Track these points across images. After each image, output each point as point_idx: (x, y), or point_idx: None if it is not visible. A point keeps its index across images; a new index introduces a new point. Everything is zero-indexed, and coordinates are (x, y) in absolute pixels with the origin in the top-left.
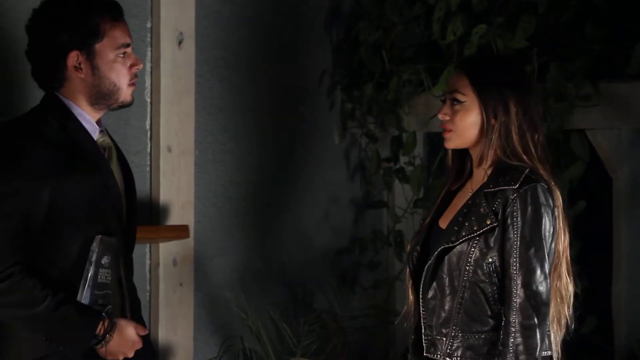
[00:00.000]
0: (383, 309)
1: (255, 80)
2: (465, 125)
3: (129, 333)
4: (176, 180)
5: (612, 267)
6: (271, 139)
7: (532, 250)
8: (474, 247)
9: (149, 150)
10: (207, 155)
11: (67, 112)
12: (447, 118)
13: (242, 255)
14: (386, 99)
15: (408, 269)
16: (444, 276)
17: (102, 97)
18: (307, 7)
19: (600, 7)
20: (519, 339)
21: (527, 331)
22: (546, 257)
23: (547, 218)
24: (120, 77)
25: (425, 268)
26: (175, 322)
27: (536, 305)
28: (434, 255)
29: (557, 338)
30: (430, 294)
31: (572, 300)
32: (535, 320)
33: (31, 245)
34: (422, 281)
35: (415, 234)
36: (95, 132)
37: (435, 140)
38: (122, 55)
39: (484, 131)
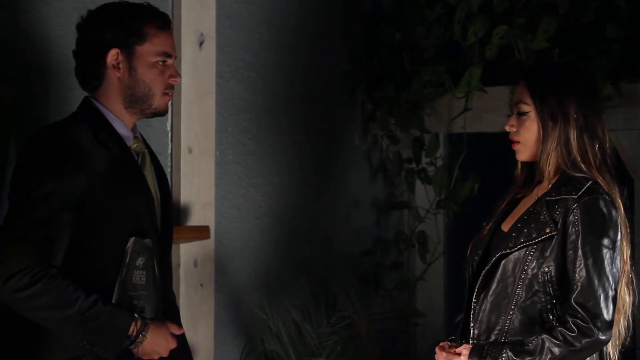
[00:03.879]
0: (405, 310)
1: (276, 81)
2: (532, 136)
3: (162, 333)
4: (197, 181)
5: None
6: (292, 140)
7: (590, 261)
8: (531, 255)
9: (169, 151)
10: (228, 156)
11: (101, 118)
12: (514, 129)
13: (263, 256)
14: (407, 100)
15: (467, 273)
16: (496, 282)
17: (135, 100)
18: (327, 8)
19: (621, 8)
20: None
21: (559, 349)
22: (606, 270)
23: (608, 231)
24: (155, 83)
25: (483, 273)
26: (196, 323)
27: (586, 319)
28: (492, 261)
29: (614, 350)
30: (482, 298)
31: (630, 311)
32: (580, 341)
33: (64, 247)
34: (478, 285)
35: (475, 239)
36: (129, 139)
37: (457, 141)
38: (161, 63)
39: (544, 138)
